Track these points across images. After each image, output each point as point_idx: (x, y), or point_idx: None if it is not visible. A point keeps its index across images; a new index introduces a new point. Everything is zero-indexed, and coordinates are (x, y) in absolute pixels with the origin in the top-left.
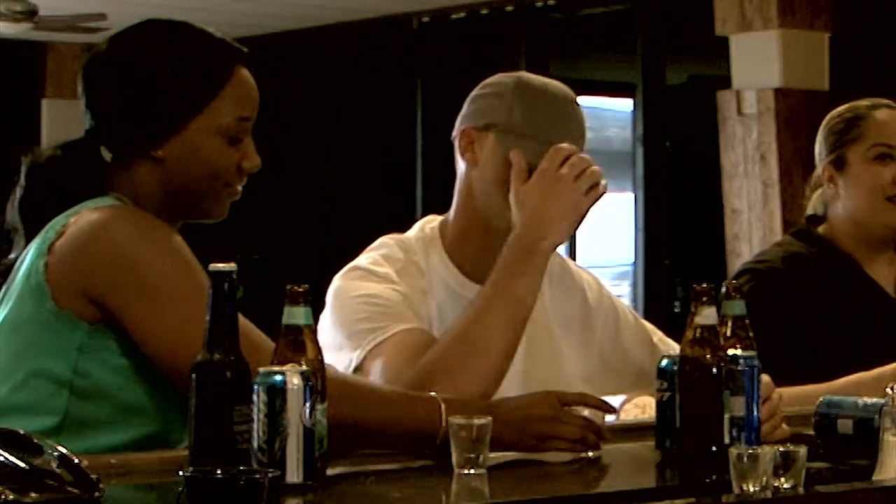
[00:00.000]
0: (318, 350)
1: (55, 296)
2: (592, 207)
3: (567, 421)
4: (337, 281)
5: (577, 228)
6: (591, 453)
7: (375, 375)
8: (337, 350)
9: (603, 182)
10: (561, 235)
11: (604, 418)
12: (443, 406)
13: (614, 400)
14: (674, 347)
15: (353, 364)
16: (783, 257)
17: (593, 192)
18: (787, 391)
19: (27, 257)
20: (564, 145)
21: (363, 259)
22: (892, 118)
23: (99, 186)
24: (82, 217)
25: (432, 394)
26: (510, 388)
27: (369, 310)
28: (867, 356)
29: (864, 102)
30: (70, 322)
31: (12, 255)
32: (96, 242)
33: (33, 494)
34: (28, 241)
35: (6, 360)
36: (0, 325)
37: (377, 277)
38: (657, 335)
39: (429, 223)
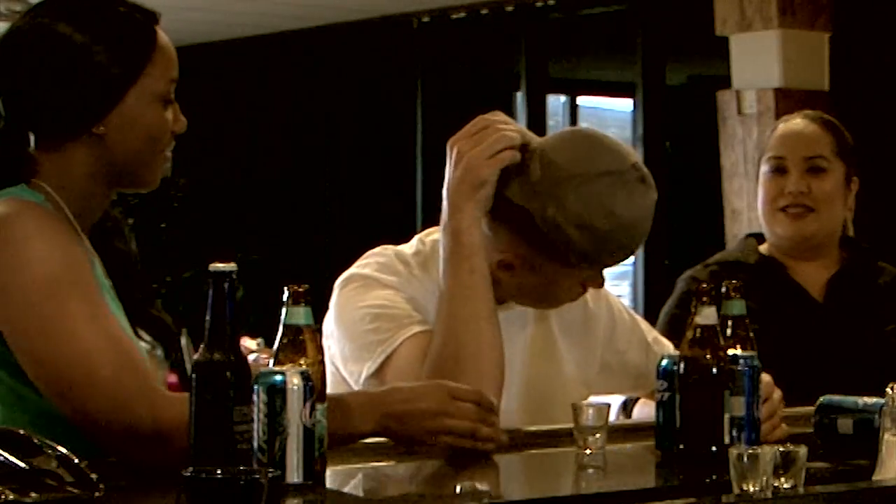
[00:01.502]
0: (319, 350)
1: None
2: (496, 170)
3: (455, 414)
4: (339, 290)
5: (482, 194)
6: (485, 446)
7: (394, 380)
8: (344, 361)
9: (517, 139)
10: (463, 204)
11: (606, 416)
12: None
13: (612, 400)
14: (668, 348)
15: (364, 375)
16: (704, 265)
17: (499, 156)
18: None
19: None
20: (485, 116)
21: (363, 267)
22: (789, 130)
23: (21, 176)
24: None
25: None
26: (512, 393)
27: (376, 321)
28: (791, 360)
29: (793, 115)
30: None
31: None
32: None
33: (33, 494)
34: None
35: None
36: None
37: (381, 285)
38: (652, 335)
39: (429, 236)
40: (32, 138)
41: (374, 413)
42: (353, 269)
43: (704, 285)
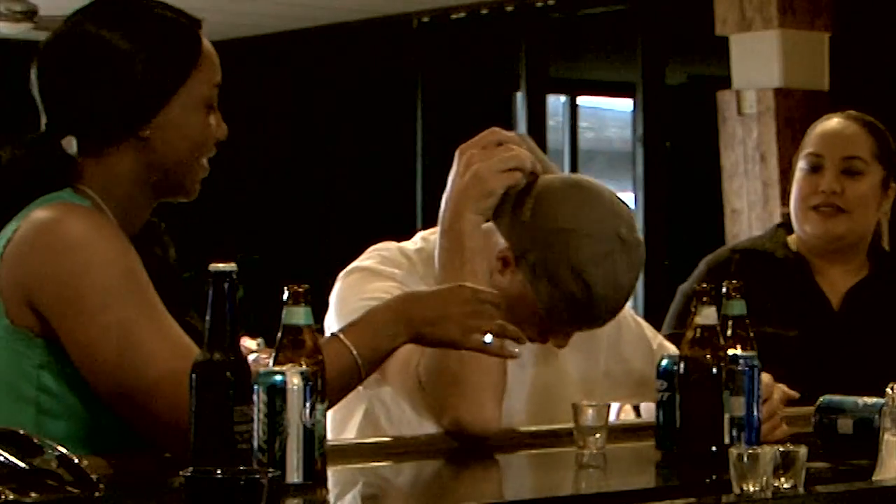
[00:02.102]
0: (319, 350)
1: (9, 311)
2: (504, 185)
3: (484, 315)
4: (340, 282)
5: (486, 204)
6: (514, 349)
7: (392, 374)
8: None
9: (528, 165)
10: (466, 211)
11: (606, 416)
12: (348, 342)
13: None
14: (672, 353)
15: None
16: (732, 250)
17: (510, 174)
18: None
19: None
20: (500, 131)
21: (366, 260)
22: (829, 128)
23: (64, 181)
24: (30, 219)
25: (336, 334)
26: (517, 397)
27: None
28: (798, 367)
29: (834, 114)
30: (26, 339)
31: None
32: (38, 246)
33: (33, 494)
34: None
35: None
36: None
37: (382, 277)
38: (657, 340)
39: (432, 234)
40: (75, 143)
41: (402, 324)
42: (355, 263)
43: (705, 285)
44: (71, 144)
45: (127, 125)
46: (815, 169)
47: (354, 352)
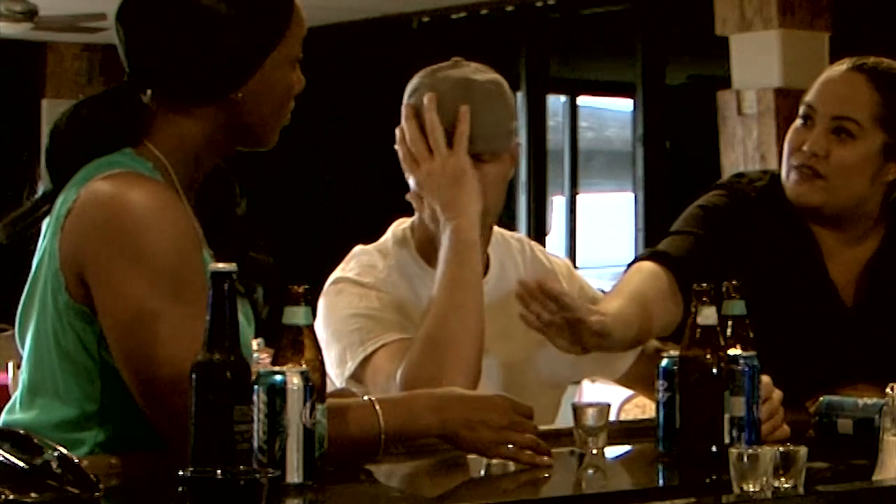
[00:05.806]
0: (319, 350)
1: (68, 285)
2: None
3: (520, 428)
4: (326, 292)
5: (470, 183)
6: (542, 461)
7: (371, 384)
8: (331, 365)
9: (465, 131)
10: (470, 210)
11: (607, 416)
12: (379, 411)
13: (611, 396)
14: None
15: (346, 375)
16: (751, 185)
17: (460, 147)
18: None
19: (48, 232)
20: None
21: (345, 271)
22: (831, 78)
23: (134, 134)
24: (91, 190)
25: (369, 398)
26: (491, 378)
27: (359, 322)
28: (804, 369)
29: (849, 59)
30: (84, 314)
31: (38, 196)
32: (95, 223)
33: (33, 494)
34: (53, 187)
35: (40, 340)
36: (31, 298)
37: (364, 288)
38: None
39: (400, 225)
40: (150, 94)
41: (438, 418)
42: (338, 272)
43: (705, 285)
44: (147, 96)
45: (220, 89)
46: (805, 121)
47: (382, 424)
